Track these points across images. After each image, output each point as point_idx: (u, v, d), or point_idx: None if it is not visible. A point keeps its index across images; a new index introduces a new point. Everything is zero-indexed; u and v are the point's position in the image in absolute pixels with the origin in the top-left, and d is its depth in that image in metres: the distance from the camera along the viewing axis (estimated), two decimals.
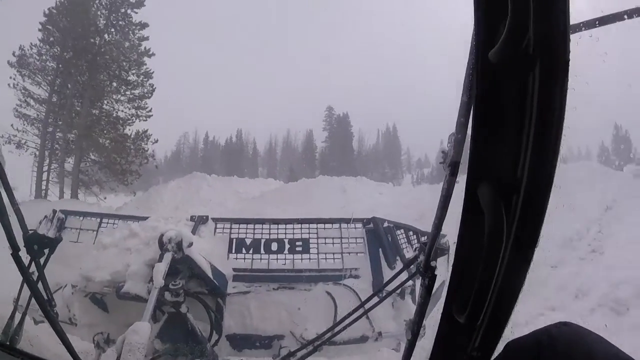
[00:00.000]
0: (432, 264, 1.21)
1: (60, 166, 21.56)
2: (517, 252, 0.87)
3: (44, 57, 21.57)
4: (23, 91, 20.94)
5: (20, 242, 1.82)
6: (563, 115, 0.77)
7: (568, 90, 0.76)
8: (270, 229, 4.04)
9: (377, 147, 58.36)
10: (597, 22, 0.95)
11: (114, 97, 22.47)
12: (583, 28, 0.93)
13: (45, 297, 1.97)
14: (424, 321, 1.32)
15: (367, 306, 2.80)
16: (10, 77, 20.58)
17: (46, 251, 2.10)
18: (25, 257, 1.93)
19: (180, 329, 3.16)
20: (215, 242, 3.97)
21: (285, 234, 4.01)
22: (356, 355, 3.63)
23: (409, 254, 4.09)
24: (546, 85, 0.77)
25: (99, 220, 4.46)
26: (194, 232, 3.80)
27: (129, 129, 22.45)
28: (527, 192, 0.82)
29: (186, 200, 17.61)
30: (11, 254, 1.73)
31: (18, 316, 2.82)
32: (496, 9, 0.78)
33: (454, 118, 0.98)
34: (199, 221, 4.01)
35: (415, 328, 1.34)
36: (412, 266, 1.96)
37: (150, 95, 22.94)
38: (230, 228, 4.08)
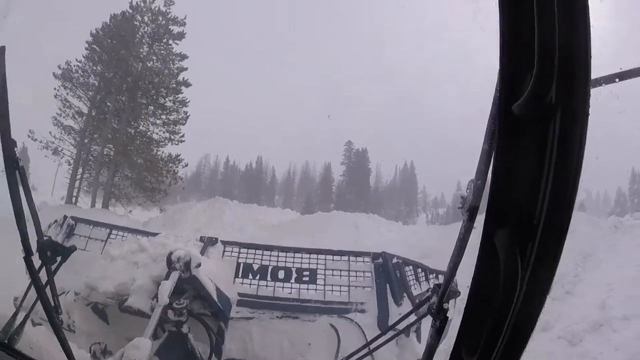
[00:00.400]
0: (445, 306, 1.21)
1: (95, 177, 23.39)
2: (531, 297, 0.88)
3: (87, 74, 23.51)
4: (64, 102, 22.81)
5: (34, 247, 1.86)
6: (581, 165, 0.79)
7: (586, 142, 0.77)
8: (278, 256, 4.03)
9: (394, 184, 58.94)
10: (616, 78, 0.97)
11: (150, 119, 24.29)
12: (603, 83, 0.95)
13: (52, 303, 1.98)
14: None
15: (372, 345, 2.75)
16: (55, 89, 22.59)
17: (58, 259, 2.13)
18: (36, 262, 1.96)
19: (179, 348, 3.13)
20: (222, 264, 3.96)
21: (294, 262, 3.99)
22: None
23: (416, 291, 4.03)
24: (566, 137, 0.79)
25: (108, 230, 4.51)
26: (202, 252, 3.81)
27: (162, 151, 24.13)
28: (543, 239, 0.83)
29: (209, 222, 18.11)
30: (23, 257, 1.76)
31: (19, 317, 2.84)
32: (521, 62, 0.81)
33: (471, 161, 1.01)
34: (208, 242, 4.03)
35: None
36: (423, 307, 1.94)
37: (184, 122, 24.58)
38: (239, 252, 4.08)
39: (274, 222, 19.07)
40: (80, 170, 23.48)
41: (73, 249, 2.17)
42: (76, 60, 23.18)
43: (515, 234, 0.86)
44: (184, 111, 24.58)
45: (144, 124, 24.28)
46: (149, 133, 24.16)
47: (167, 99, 24.30)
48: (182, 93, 24.54)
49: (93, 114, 23.58)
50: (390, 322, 3.53)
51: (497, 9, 0.84)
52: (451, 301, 1.53)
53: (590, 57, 0.77)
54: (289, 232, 15.92)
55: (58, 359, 1.89)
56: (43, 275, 2.05)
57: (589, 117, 0.77)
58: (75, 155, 23.20)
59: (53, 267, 2.11)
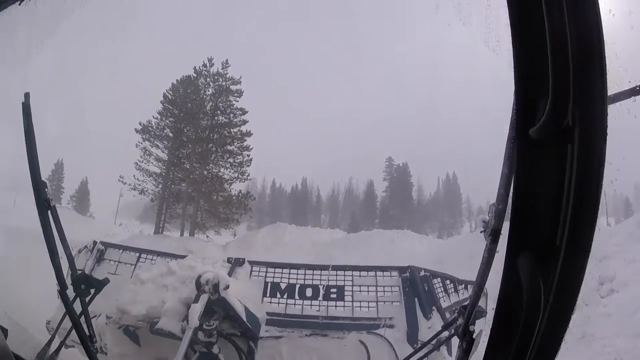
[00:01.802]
0: (471, 328, 1.19)
1: (183, 211, 28.22)
2: (555, 318, 0.87)
3: (161, 127, 28.68)
4: (144, 151, 27.92)
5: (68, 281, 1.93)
6: (601, 186, 0.78)
7: (606, 164, 0.76)
8: (305, 274, 4.02)
9: (437, 196, 59.01)
10: (633, 96, 0.95)
11: (220, 162, 28.79)
12: (621, 99, 0.93)
13: (87, 333, 2.03)
14: None
15: None
16: (138, 143, 27.79)
17: (92, 291, 2.19)
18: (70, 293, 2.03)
19: None
20: (250, 284, 3.99)
21: (320, 280, 3.98)
22: None
23: (445, 303, 3.95)
24: (585, 157, 0.78)
25: (137, 254, 4.57)
26: (230, 274, 3.85)
27: (231, 188, 28.86)
28: (565, 262, 0.82)
29: (274, 243, 21.62)
30: (58, 291, 1.82)
31: (54, 343, 2.92)
32: (536, 87, 0.81)
33: None
34: (235, 263, 4.06)
35: None
36: (451, 327, 1.91)
37: (249, 164, 29.05)
38: (266, 271, 4.10)
39: (326, 240, 22.84)
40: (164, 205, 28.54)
41: (106, 281, 2.24)
42: (152, 117, 28.46)
43: (538, 257, 0.86)
44: (247, 154, 28.91)
45: (214, 166, 28.72)
46: (219, 174, 28.59)
47: (232, 146, 28.81)
48: (245, 141, 28.96)
49: (172, 160, 28.37)
50: (420, 336, 3.48)
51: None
52: (480, 320, 1.51)
53: (606, 75, 0.76)
54: (338, 247, 19.93)
55: None
56: (77, 305, 2.12)
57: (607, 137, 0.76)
58: (160, 193, 28.21)
59: (87, 298, 2.17)
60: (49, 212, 1.75)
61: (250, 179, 30.78)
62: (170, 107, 28.82)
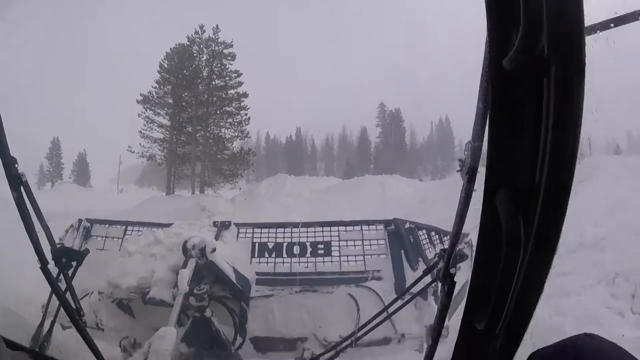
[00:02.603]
0: (452, 271, 1.20)
1: (192, 172, 30.08)
2: (536, 258, 0.86)
3: (161, 95, 30.45)
4: (147, 119, 29.83)
5: (48, 255, 1.89)
6: (580, 119, 0.75)
7: (585, 94, 0.74)
8: (292, 232, 4.05)
9: (430, 140, 61.83)
10: (612, 24, 0.92)
11: (220, 123, 30.72)
12: (598, 30, 0.90)
13: (74, 307, 2.02)
14: (445, 324, 1.32)
15: (390, 309, 2.79)
16: (140, 113, 29.67)
17: (74, 263, 2.16)
18: (54, 270, 2.00)
19: (204, 332, 3.21)
20: (238, 246, 4.01)
21: (307, 237, 4.01)
22: (379, 357, 3.62)
23: (431, 254, 4.04)
24: (562, 90, 0.75)
25: (124, 227, 4.53)
26: (217, 237, 3.85)
27: (233, 146, 31.08)
28: (545, 198, 0.81)
29: (276, 192, 23.00)
30: (40, 267, 1.79)
31: (47, 324, 2.93)
32: (508, 15, 0.77)
33: None
34: (221, 227, 4.06)
35: (435, 334, 1.33)
36: (432, 272, 1.94)
37: (247, 122, 31.19)
38: (253, 233, 4.11)
39: (323, 187, 24.79)
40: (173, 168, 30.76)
41: (86, 252, 2.20)
42: (151, 86, 30.15)
43: (517, 194, 0.84)
44: (244, 113, 30.86)
45: (216, 127, 30.63)
46: (220, 134, 30.60)
47: (231, 107, 30.68)
48: (242, 102, 30.83)
49: (175, 125, 30.01)
50: (407, 287, 3.58)
51: None
52: (467, 265, 1.53)
53: (582, 3, 0.73)
54: (334, 193, 22.00)
55: (87, 359, 1.94)
56: (63, 282, 2.10)
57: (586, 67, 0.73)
58: (167, 157, 30.15)
59: (71, 272, 2.15)
60: (22, 187, 1.69)
61: (249, 137, 34.52)
62: (167, 76, 30.28)
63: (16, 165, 1.70)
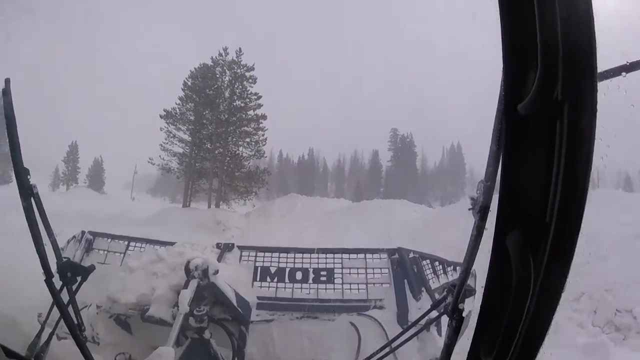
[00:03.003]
0: (460, 306, 1.20)
1: (210, 186, 31.72)
2: (545, 296, 0.87)
3: (183, 111, 32.37)
4: (168, 134, 31.70)
5: (53, 267, 1.90)
6: (590, 162, 0.77)
7: (595, 140, 0.76)
8: (294, 258, 4.03)
9: (441, 165, 63.50)
10: (623, 72, 0.95)
11: (239, 142, 32.38)
12: (610, 77, 0.93)
13: (75, 322, 2.01)
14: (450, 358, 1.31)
15: (393, 343, 2.75)
16: (161, 128, 31.60)
17: (78, 279, 2.16)
18: (57, 282, 2.00)
19: (202, 354, 3.17)
20: (240, 269, 3.99)
21: (310, 263, 3.99)
22: None
23: (434, 284, 4.00)
24: (574, 133, 0.77)
25: (126, 243, 4.53)
26: (219, 259, 3.84)
27: (249, 164, 32.59)
28: (555, 239, 0.82)
29: (288, 211, 24.04)
30: (44, 280, 1.79)
31: (44, 335, 2.90)
32: (524, 60, 0.80)
33: None
34: (224, 248, 4.05)
35: None
36: (440, 306, 1.93)
37: (264, 143, 32.96)
38: (255, 256, 4.10)
39: (333, 209, 25.30)
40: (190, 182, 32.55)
41: (92, 268, 2.21)
42: (175, 103, 32.27)
43: (527, 234, 0.86)
44: (262, 134, 32.71)
45: (234, 146, 32.32)
46: (238, 152, 32.22)
47: (249, 127, 32.54)
48: (261, 123, 32.63)
49: (195, 140, 31.83)
50: (410, 317, 3.52)
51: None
52: (470, 299, 1.52)
53: (596, 50, 0.75)
54: (344, 215, 22.62)
55: None
56: (65, 294, 2.09)
57: (597, 113, 0.76)
58: (185, 171, 32.00)
59: (74, 287, 2.15)
60: (32, 199, 1.71)
61: (265, 156, 36.92)
62: (190, 93, 32.28)
63: (28, 177, 1.73)
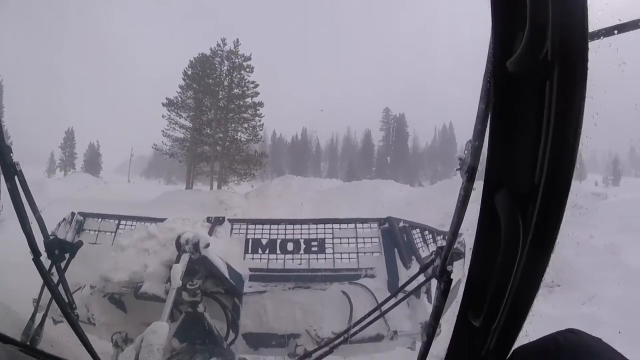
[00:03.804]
0: (448, 268, 1.21)
1: (211, 169, 33.68)
2: (533, 258, 0.88)
3: (184, 99, 34.07)
4: (170, 120, 33.33)
5: (41, 247, 1.87)
6: (581, 123, 0.77)
7: (586, 99, 0.75)
8: (285, 229, 4.04)
9: (433, 145, 63.79)
10: (615, 30, 0.93)
11: (238, 128, 34.10)
12: (602, 36, 0.91)
13: (66, 300, 2.00)
14: (439, 322, 1.34)
15: (383, 307, 2.81)
16: (163, 116, 33.28)
17: (67, 255, 2.13)
18: (46, 262, 1.98)
19: (197, 328, 3.19)
20: (231, 242, 3.99)
21: (301, 234, 4.01)
22: (372, 353, 3.64)
23: (424, 253, 4.06)
24: (564, 94, 0.76)
25: (116, 222, 4.48)
26: (210, 233, 3.83)
27: (248, 148, 34.13)
28: (544, 200, 0.82)
29: (284, 191, 25.75)
30: (32, 259, 1.77)
31: (38, 317, 2.90)
32: (513, 17, 0.78)
33: None
34: (215, 222, 4.04)
35: (430, 330, 1.35)
36: (429, 269, 1.96)
37: (261, 128, 35.19)
38: (247, 229, 4.10)
39: (325, 188, 26.97)
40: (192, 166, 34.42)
41: (79, 244, 2.18)
42: (176, 91, 33.92)
43: (516, 195, 0.86)
44: (259, 120, 34.48)
45: (233, 131, 34.03)
46: (236, 137, 33.91)
47: (247, 114, 34.11)
48: (258, 110, 34.28)
49: (195, 126, 33.61)
50: (400, 285, 3.59)
51: None
52: (460, 264, 1.54)
53: (587, 10, 0.74)
54: (335, 194, 24.45)
55: (79, 354, 1.93)
56: (56, 275, 2.07)
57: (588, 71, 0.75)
58: (187, 155, 33.69)
59: (63, 265, 2.13)
60: (16, 177, 1.68)
61: (262, 141, 39.62)
62: (190, 82, 33.97)
63: (11, 154, 1.68)
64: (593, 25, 0.76)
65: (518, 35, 0.78)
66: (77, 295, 3.65)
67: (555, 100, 0.77)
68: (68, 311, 1.87)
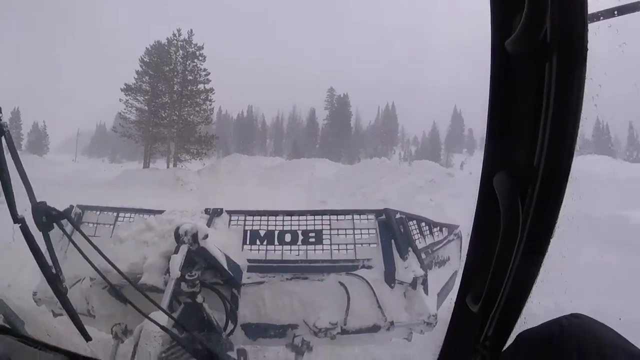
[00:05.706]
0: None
1: (168, 149, 36.56)
2: (533, 242, 0.87)
3: (140, 84, 36.71)
4: (127, 104, 36.15)
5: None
6: (580, 105, 0.77)
7: (586, 80, 0.75)
8: (283, 220, 4.04)
9: (376, 125, 67.38)
10: (615, 12, 0.93)
11: (191, 111, 37.05)
12: (601, 17, 0.91)
13: (54, 272, 1.86)
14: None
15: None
16: (120, 100, 35.94)
17: (55, 225, 1.96)
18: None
19: (196, 318, 3.20)
20: (229, 234, 3.98)
21: (299, 225, 4.00)
22: (368, 344, 3.67)
23: (420, 244, 4.08)
24: (563, 75, 0.76)
25: (115, 214, 4.47)
26: (209, 224, 3.83)
27: (199, 129, 37.25)
28: (544, 183, 0.82)
29: (233, 168, 28.65)
30: (18, 225, 1.69)
31: (36, 307, 2.84)
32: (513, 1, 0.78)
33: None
34: (213, 214, 4.04)
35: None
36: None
37: (211, 112, 39.18)
38: (245, 220, 4.09)
39: (269, 166, 30.39)
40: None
41: (69, 210, 2.04)
42: (133, 77, 36.50)
43: (515, 177, 0.85)
44: (209, 104, 38.02)
45: (186, 115, 36.83)
46: (189, 119, 36.84)
47: (199, 99, 37.28)
48: (209, 95, 37.70)
49: (151, 109, 36.20)
50: (397, 276, 3.61)
51: None
52: (457, 249, 1.55)
53: None
54: (277, 171, 27.89)
55: (77, 344, 1.90)
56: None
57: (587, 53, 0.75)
58: (143, 137, 36.36)
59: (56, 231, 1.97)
60: (3, 137, 1.59)
61: (213, 123, 44.02)
62: (146, 68, 36.67)
63: (0, 114, 1.60)
64: (593, 7, 0.75)
65: (517, 16, 0.77)
66: (76, 287, 3.65)
67: (554, 82, 0.77)
68: (55, 284, 1.78)
